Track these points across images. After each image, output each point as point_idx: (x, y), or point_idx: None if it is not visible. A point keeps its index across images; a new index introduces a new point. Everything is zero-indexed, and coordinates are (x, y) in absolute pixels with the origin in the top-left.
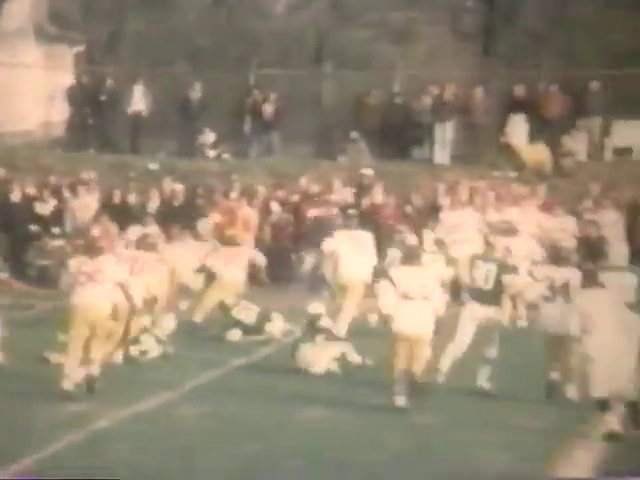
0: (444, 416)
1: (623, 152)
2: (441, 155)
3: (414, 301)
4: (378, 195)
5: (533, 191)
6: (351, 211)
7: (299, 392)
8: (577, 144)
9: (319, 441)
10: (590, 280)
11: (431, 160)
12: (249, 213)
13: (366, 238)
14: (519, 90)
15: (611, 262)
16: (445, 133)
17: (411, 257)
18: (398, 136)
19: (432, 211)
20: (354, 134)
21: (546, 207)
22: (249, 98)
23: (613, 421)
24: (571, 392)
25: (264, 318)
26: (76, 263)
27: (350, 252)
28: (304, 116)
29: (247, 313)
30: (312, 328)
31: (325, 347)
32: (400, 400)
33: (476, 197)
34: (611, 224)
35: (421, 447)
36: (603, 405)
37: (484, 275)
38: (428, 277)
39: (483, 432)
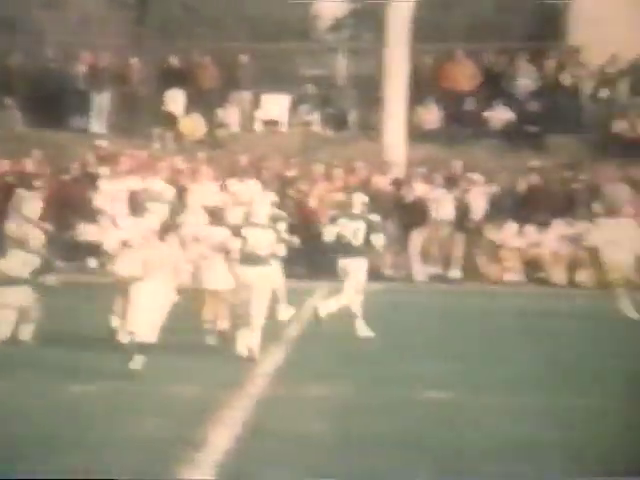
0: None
1: (271, 124)
2: (98, 124)
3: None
4: (29, 164)
5: (192, 161)
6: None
7: None
8: (230, 116)
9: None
10: (163, 232)
11: (88, 129)
12: None
13: None
14: (174, 61)
15: (253, 220)
16: (102, 102)
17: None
18: (54, 104)
19: (90, 180)
20: (7, 100)
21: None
22: None
23: (136, 362)
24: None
25: None
26: None
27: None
28: None
29: None
30: None
31: None
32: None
33: (137, 167)
34: (257, 191)
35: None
36: (138, 347)
37: None
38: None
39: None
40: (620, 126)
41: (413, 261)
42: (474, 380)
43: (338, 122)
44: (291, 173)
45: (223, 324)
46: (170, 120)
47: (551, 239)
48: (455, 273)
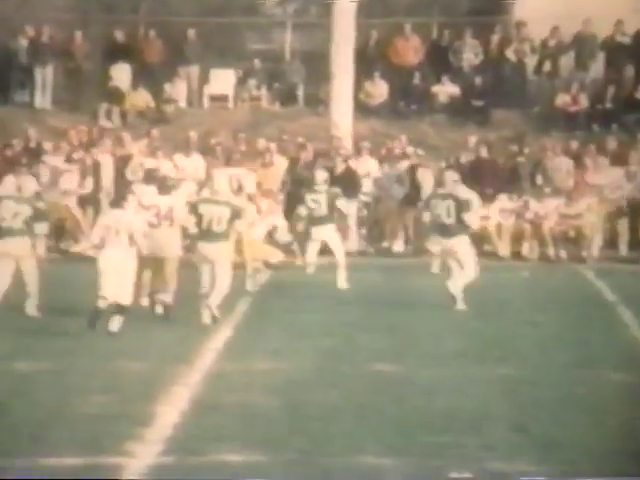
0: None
1: (219, 99)
2: (42, 100)
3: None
4: None
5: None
6: None
7: None
8: (178, 91)
9: None
10: (116, 202)
11: (32, 104)
12: None
13: None
14: (119, 35)
15: (211, 196)
16: (46, 77)
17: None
18: None
19: (35, 155)
20: None
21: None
22: None
23: (114, 324)
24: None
25: None
26: None
27: None
28: None
29: None
30: None
31: None
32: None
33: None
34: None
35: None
36: (97, 311)
37: None
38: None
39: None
40: (563, 99)
41: (351, 232)
42: (420, 353)
43: (286, 97)
44: (241, 148)
45: (168, 296)
46: (117, 95)
47: (496, 212)
48: (399, 246)
